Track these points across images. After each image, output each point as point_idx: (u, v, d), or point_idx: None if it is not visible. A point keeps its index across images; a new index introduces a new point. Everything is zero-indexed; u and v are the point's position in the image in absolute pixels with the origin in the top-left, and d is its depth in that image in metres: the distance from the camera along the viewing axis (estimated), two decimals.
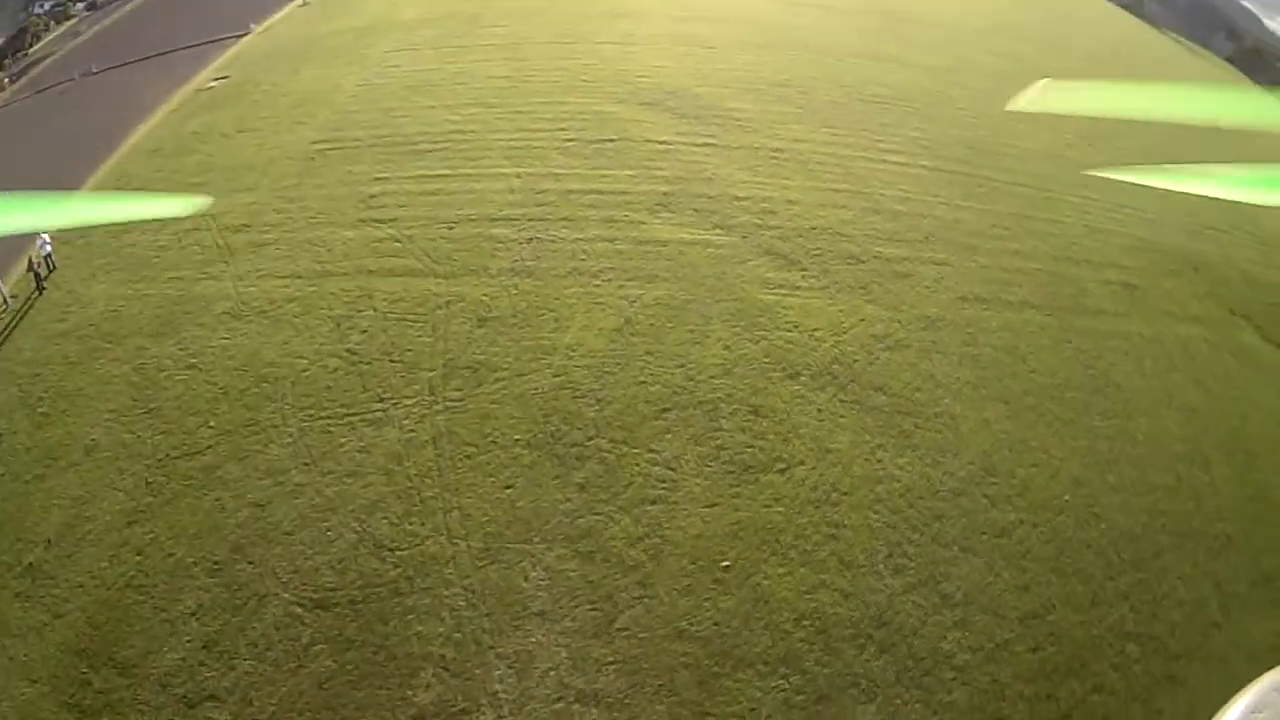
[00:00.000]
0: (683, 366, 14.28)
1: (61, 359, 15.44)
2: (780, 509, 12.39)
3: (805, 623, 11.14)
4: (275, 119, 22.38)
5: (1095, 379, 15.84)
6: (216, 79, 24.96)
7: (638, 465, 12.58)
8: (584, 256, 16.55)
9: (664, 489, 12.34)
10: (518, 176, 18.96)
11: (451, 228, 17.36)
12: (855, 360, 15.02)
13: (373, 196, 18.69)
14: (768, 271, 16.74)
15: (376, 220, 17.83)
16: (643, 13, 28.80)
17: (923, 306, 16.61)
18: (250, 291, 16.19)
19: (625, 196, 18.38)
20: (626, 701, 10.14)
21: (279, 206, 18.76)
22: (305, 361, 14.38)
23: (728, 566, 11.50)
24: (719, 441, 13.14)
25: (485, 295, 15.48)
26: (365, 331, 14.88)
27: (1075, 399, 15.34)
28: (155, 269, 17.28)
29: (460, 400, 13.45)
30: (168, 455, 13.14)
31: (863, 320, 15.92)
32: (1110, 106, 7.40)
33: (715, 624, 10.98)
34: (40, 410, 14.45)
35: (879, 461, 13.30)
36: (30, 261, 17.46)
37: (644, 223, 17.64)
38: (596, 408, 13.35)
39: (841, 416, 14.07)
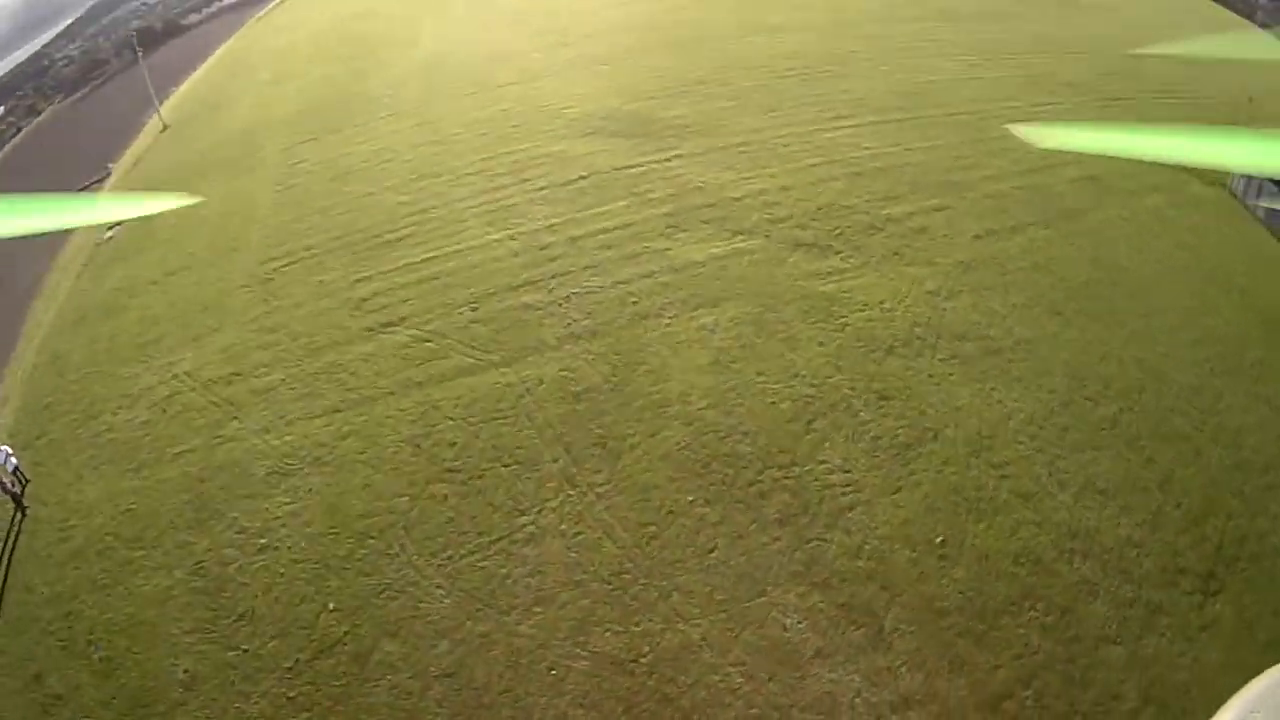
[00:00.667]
0: (796, 375, 13.75)
1: (91, 585, 12.79)
2: (952, 471, 12.20)
3: (1021, 560, 11.28)
4: (202, 251, 19.81)
5: (1107, 269, 16.82)
6: (110, 227, 21.78)
7: (817, 480, 11.97)
8: (634, 299, 15.63)
9: (852, 493, 11.83)
10: (512, 238, 17.71)
11: (475, 309, 15.92)
12: (929, 320, 15.03)
13: (364, 301, 16.87)
14: (808, 263, 16.49)
15: (386, 325, 16.07)
16: (516, 51, 27.94)
17: (952, 253, 16.92)
18: (288, 443, 14.09)
19: (632, 228, 17.59)
20: (934, 691, 9.73)
21: (262, 342, 16.54)
22: (406, 499, 12.63)
23: (943, 541, 11.22)
24: (871, 432, 12.79)
25: (563, 370, 14.25)
26: (455, 445, 13.28)
27: (1102, 292, 16.24)
28: (153, 449, 14.74)
29: (609, 482, 12.24)
30: (298, 660, 11.10)
31: (913, 282, 16.00)
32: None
33: (960, 593, 10.87)
34: (97, 656, 11.88)
35: (998, 401, 13.51)
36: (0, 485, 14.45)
37: (668, 249, 16.93)
38: (747, 442, 12.56)
39: (950, 374, 14.08)
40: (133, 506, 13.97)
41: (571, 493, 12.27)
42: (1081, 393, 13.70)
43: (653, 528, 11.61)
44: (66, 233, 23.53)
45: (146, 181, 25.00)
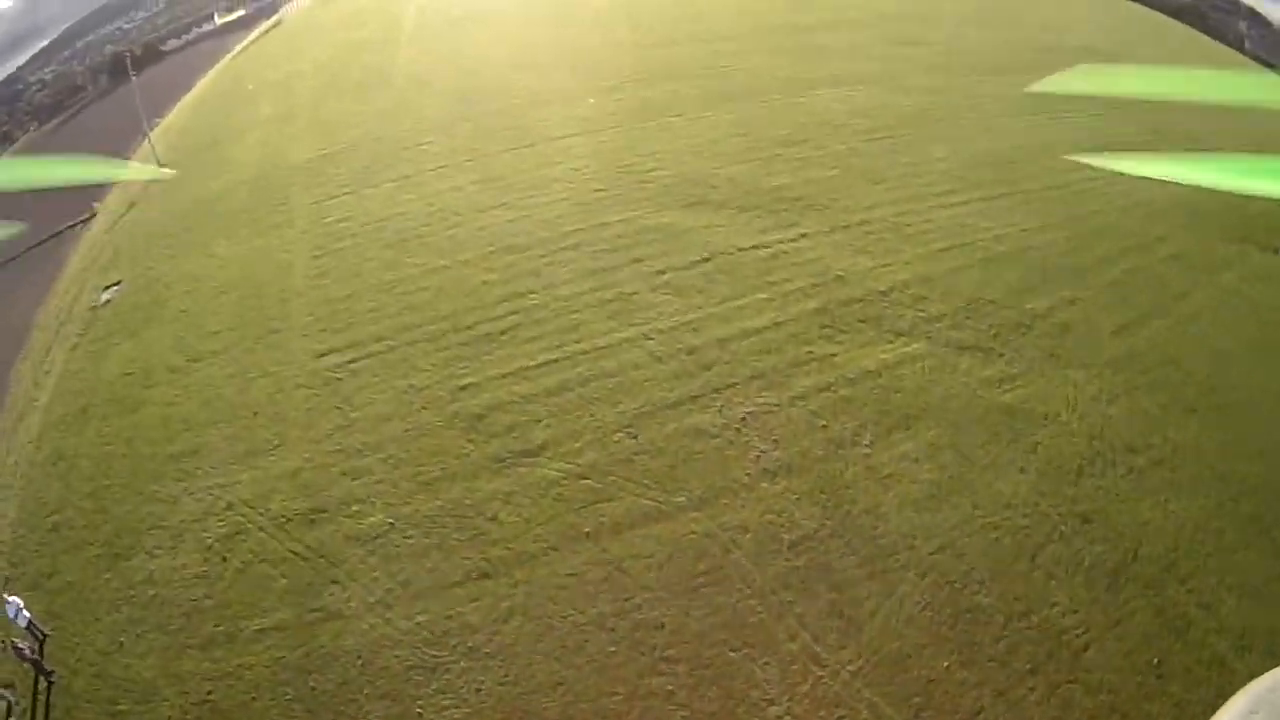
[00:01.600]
0: (1008, 505, 12.54)
1: None
2: (1153, 593, 10.98)
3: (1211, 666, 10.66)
4: (232, 330, 16.44)
5: (1218, 357, 16.14)
6: (108, 287, 17.85)
7: (1053, 623, 10.42)
8: (821, 420, 13.43)
9: (1084, 633, 10.36)
10: (647, 337, 15.21)
11: (634, 434, 13.30)
12: (1101, 431, 14.07)
13: (480, 418, 13.98)
14: (978, 369, 14.94)
15: (523, 454, 13.23)
16: (560, 95, 25.64)
17: (1098, 353, 15.92)
18: (423, 624, 11.07)
19: (785, 327, 15.45)
20: None
21: (348, 468, 13.37)
22: (620, 698, 9.90)
23: (1158, 662, 10.64)
24: (1084, 561, 11.69)
25: (768, 514, 11.90)
26: (663, 625, 10.64)
27: (1220, 383, 15.53)
28: (223, 619, 11.45)
29: (859, 658, 10.19)
30: None
31: (1076, 388, 15.01)
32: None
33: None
34: None
35: (1172, 512, 12.65)
36: (13, 648, 10.78)
37: (833, 354, 14.88)
38: (984, 591, 11.19)
39: (1131, 490, 13.18)
40: (211, 698, 10.57)
41: (821, 674, 10.00)
42: (1227, 493, 13.18)
43: (918, 699, 9.83)
44: (49, 275, 19.37)
45: (142, 227, 21.09)
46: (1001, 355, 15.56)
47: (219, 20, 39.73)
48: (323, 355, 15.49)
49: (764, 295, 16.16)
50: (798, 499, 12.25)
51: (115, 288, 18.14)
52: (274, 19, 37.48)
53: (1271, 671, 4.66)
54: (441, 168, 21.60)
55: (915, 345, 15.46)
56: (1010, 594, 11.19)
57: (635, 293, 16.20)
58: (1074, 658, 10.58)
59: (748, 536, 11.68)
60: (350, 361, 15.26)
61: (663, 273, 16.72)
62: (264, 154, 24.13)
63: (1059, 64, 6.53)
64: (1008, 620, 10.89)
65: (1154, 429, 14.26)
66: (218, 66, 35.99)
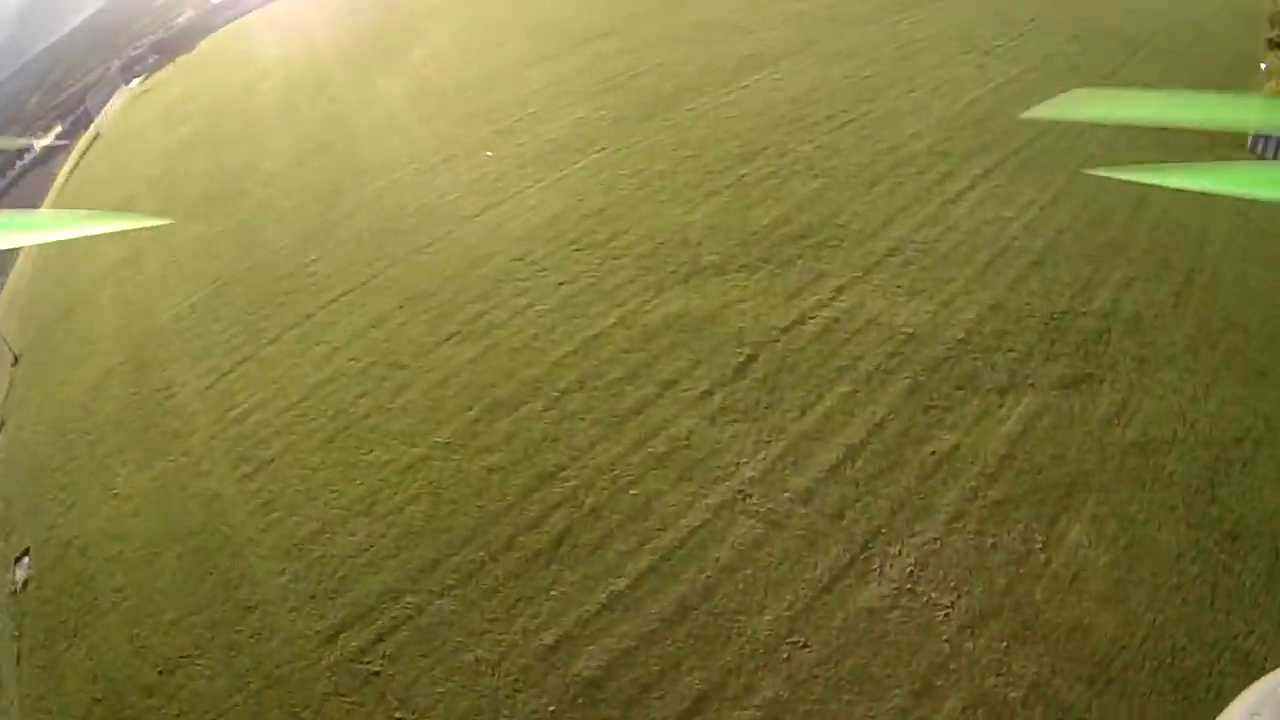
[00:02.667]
0: (1195, 530, 11.13)
1: None
2: None
3: None
4: (193, 616, 12.72)
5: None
6: (18, 559, 13.55)
7: None
8: (988, 536, 11.92)
9: None
10: (743, 495, 13.01)
11: (805, 645, 11.30)
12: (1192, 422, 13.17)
13: (597, 690, 11.42)
14: (1093, 406, 13.82)
15: None
16: (469, 149, 22.28)
17: (1169, 341, 15.29)
18: None
19: (888, 426, 13.57)
20: None
21: None
22: None
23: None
24: None
25: (992, 680, 10.29)
26: None
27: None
28: None
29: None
30: None
31: (1171, 390, 14.05)
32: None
33: None
34: None
35: None
36: None
37: (953, 446, 13.23)
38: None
39: None
40: None
41: None
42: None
43: None
44: None
45: (31, 468, 16.26)
46: (1102, 381, 14.34)
47: (38, 145, 33.69)
48: (333, 638, 12.17)
49: (843, 389, 14.18)
50: (1007, 648, 10.73)
51: (26, 560, 13.98)
52: (91, 132, 31.89)
53: (1275, 671, 4.67)
54: (345, 296, 17.81)
55: (1025, 400, 14.05)
56: (1206, 641, 10.30)
57: (691, 434, 13.79)
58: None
59: (978, 713, 10.09)
60: (377, 640, 12.05)
61: (709, 394, 14.35)
62: (126, 318, 19.33)
63: None
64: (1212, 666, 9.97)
65: (1246, 409, 13.70)
66: (48, 202, 29.56)
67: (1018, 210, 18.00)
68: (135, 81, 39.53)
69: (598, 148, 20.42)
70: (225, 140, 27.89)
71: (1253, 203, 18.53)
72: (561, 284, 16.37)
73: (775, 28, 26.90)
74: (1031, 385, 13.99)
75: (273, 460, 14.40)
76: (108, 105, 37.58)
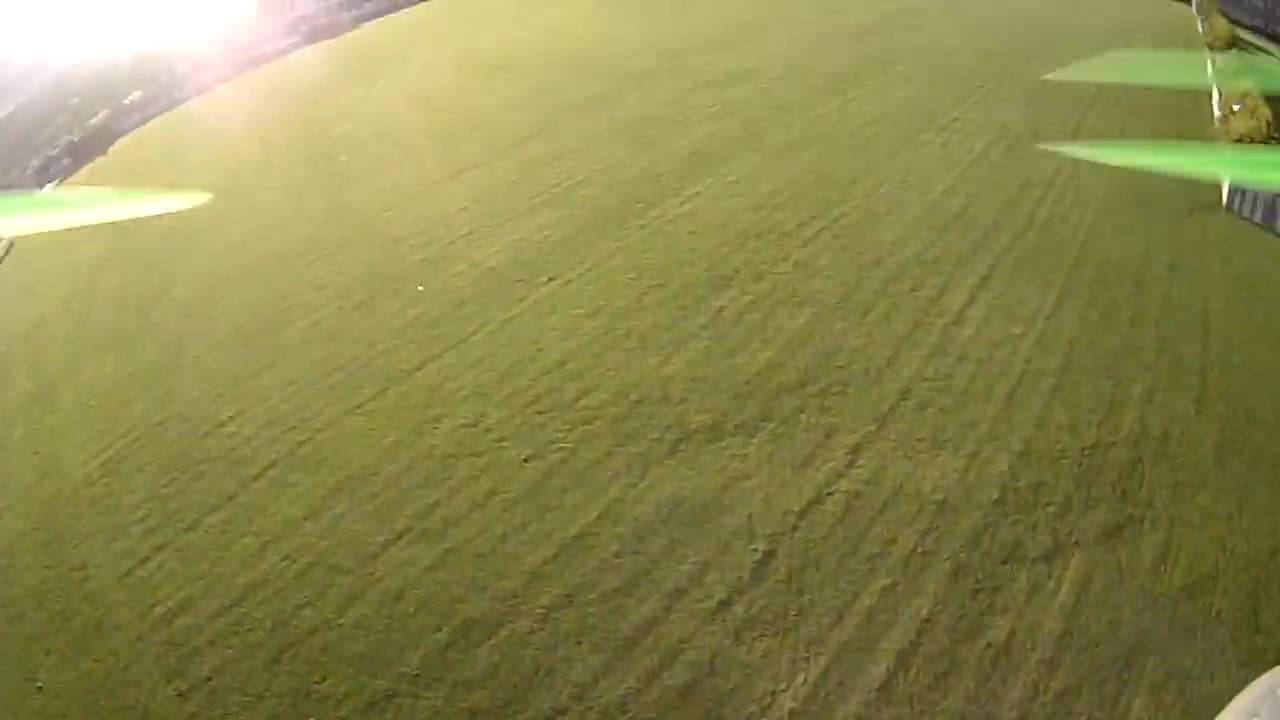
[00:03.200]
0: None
1: None
2: None
3: None
4: None
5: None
6: None
7: None
8: None
9: None
10: None
11: None
12: None
13: None
14: (1138, 554, 12.91)
15: None
16: (367, 285, 20.46)
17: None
18: None
19: (947, 609, 12.36)
20: None
21: None
22: None
23: None
24: None
25: None
26: None
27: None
28: None
29: None
30: None
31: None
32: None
33: None
34: None
35: None
36: None
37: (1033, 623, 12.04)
38: None
39: None
40: None
41: None
42: None
43: None
44: None
45: None
46: (1142, 521, 13.60)
47: None
48: None
49: (881, 581, 12.88)
50: None
51: None
52: (5, 242, 29.34)
53: (1273, 670, 5.03)
54: (271, 471, 15.65)
55: (1072, 563, 13.17)
56: None
57: (714, 657, 12.14)
58: None
59: None
60: None
61: (727, 604, 12.74)
62: (37, 471, 17.12)
63: None
64: None
65: (1276, 518, 13.31)
66: None
67: (1025, 324, 17.67)
68: (48, 187, 37.16)
69: (545, 277, 18.99)
70: (135, 259, 25.63)
71: (1243, 274, 19.31)
72: (526, 460, 14.62)
73: (710, 120, 26.33)
74: (1076, 543, 13.30)
75: (209, 679, 12.26)
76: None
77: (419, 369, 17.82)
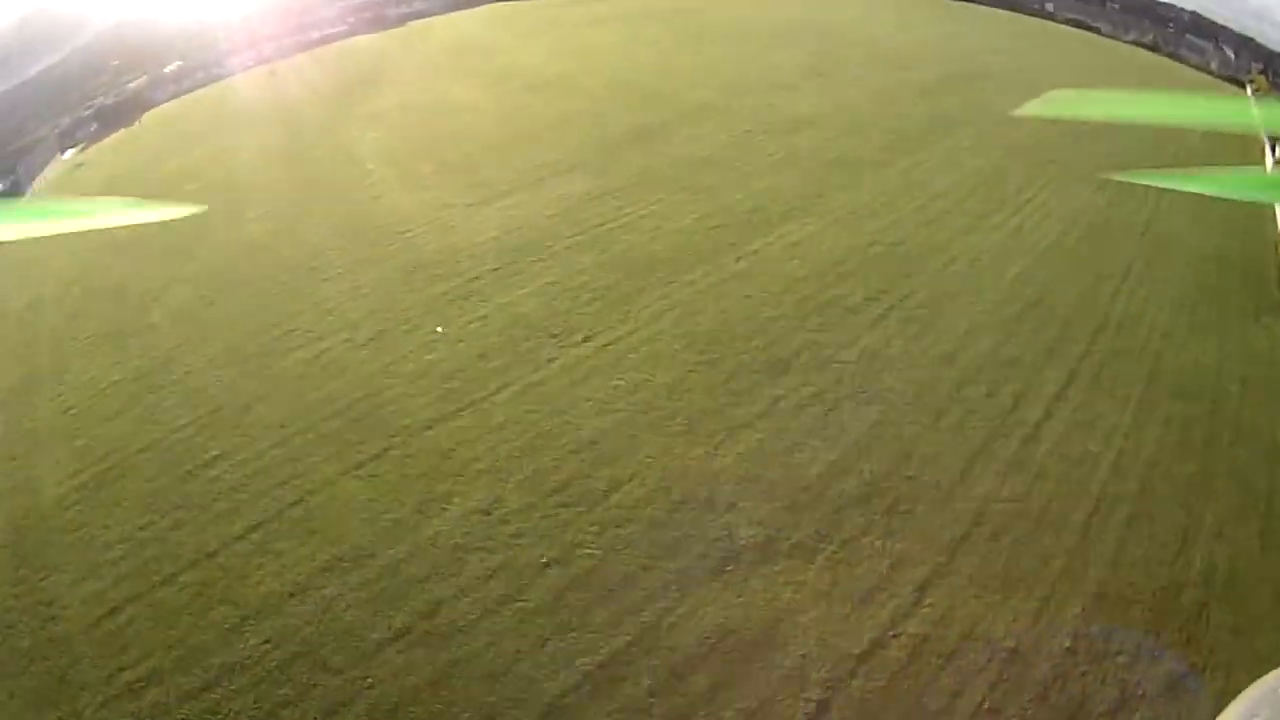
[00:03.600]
0: None
1: None
2: None
3: None
4: None
5: None
6: None
7: None
8: None
9: None
10: None
11: None
12: None
13: None
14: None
15: None
16: (383, 335, 18.58)
17: None
18: None
19: None
20: None
21: None
22: None
23: None
24: None
25: None
26: None
27: None
28: None
29: None
30: None
31: None
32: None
33: None
34: None
35: None
36: None
37: None
38: None
39: None
40: None
41: None
42: None
43: None
44: None
45: None
46: (1204, 669, 12.09)
47: None
48: None
49: None
50: None
51: None
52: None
53: (1274, 672, 4.78)
54: (255, 533, 13.62)
55: (1137, 717, 11.10)
56: None
57: None
58: None
59: None
60: None
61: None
62: (10, 482, 15.42)
63: None
64: None
65: None
66: None
67: (1103, 441, 16.07)
68: (70, 152, 35.50)
69: (580, 335, 16.99)
70: (141, 249, 23.52)
71: None
72: (548, 564, 12.64)
73: (772, 172, 24.58)
74: (1142, 696, 11.73)
75: None
76: (40, 175, 33.87)
77: (429, 428, 15.77)
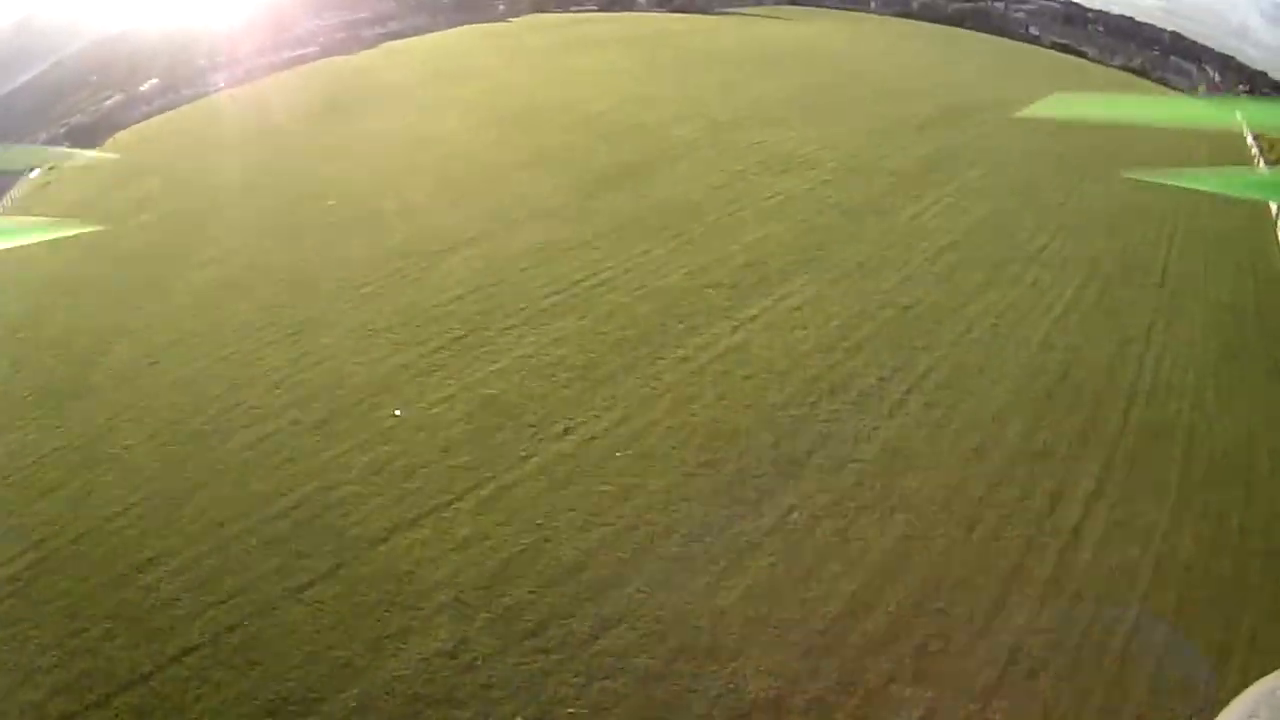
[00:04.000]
0: None
1: None
2: None
3: None
4: None
5: None
6: None
7: None
8: None
9: None
10: None
11: None
12: None
13: None
14: None
15: None
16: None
17: None
18: None
19: None
20: None
21: None
22: None
23: None
24: None
25: None
26: None
27: None
28: None
29: None
30: None
31: None
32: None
33: None
34: None
35: None
36: None
37: None
38: None
39: None
40: None
41: None
42: None
43: None
44: None
45: None
46: None
47: None
48: None
49: None
50: None
51: None
52: None
53: (1275, 672, 4.67)
54: (191, 656, 11.48)
55: None
56: None
57: None
58: None
59: None
60: None
61: None
62: None
63: None
64: None
65: None
66: None
67: (1143, 544, 14.34)
68: (37, 172, 34.50)
69: (559, 426, 14.86)
70: (86, 295, 21.49)
71: None
72: None
73: (767, 219, 22.87)
74: None
75: None
76: (10, 191, 32.95)
77: (384, 540, 13.57)
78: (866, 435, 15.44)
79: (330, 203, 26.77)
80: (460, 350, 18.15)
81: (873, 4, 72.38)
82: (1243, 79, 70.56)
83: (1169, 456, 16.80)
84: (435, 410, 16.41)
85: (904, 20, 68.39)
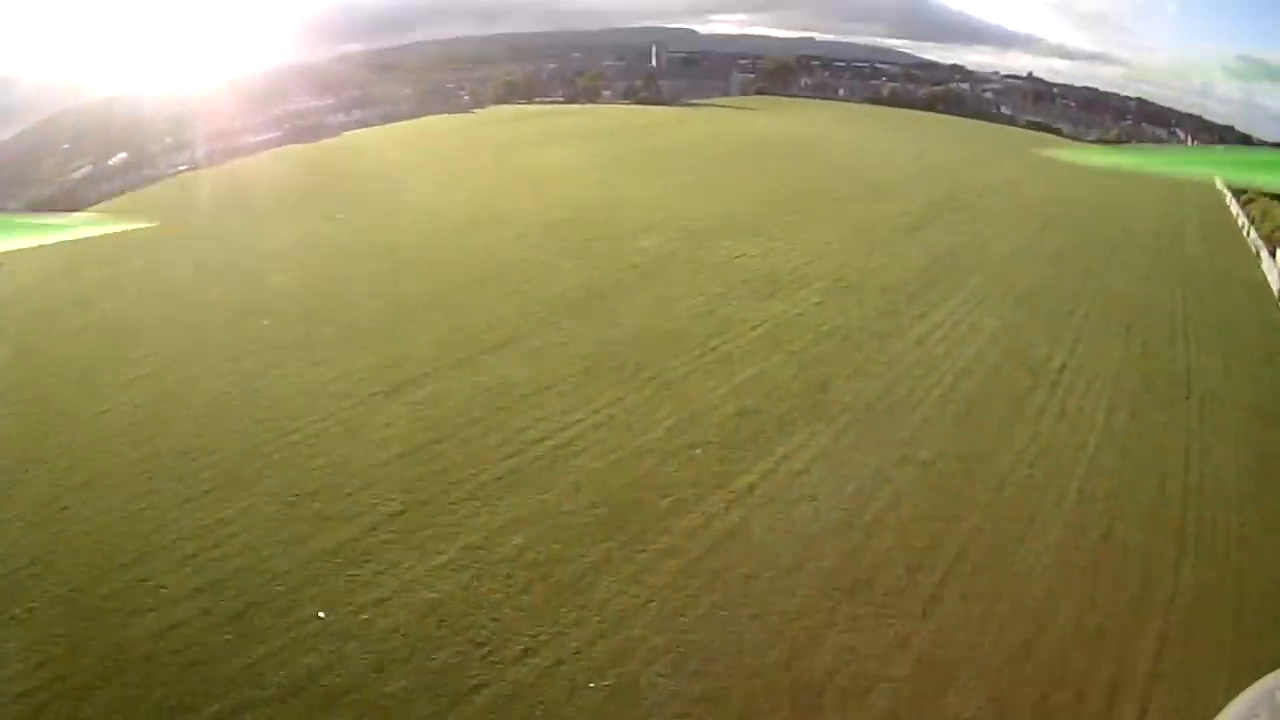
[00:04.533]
0: None
1: None
2: None
3: None
4: None
5: None
6: None
7: None
8: None
9: None
10: None
11: None
12: None
13: None
14: None
15: None
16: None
17: None
18: None
19: None
20: None
21: None
22: None
23: None
24: None
25: None
26: None
27: None
28: None
29: None
30: None
31: None
32: None
33: None
34: None
35: None
36: None
37: None
38: None
39: None
40: None
41: None
42: None
43: None
44: None
45: None
46: None
47: None
48: None
49: None
50: None
51: None
52: None
53: (1274, 672, 4.78)
54: None
55: None
56: None
57: None
58: None
59: None
60: None
61: None
62: None
63: None
64: None
65: None
66: None
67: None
68: None
69: (517, 646, 12.44)
70: (5, 416, 19.58)
71: None
72: None
73: (756, 354, 21.11)
74: None
75: None
76: None
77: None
78: (897, 646, 12.66)
79: (265, 323, 24.29)
80: (398, 532, 15.30)
81: (841, 92, 72.47)
82: (1212, 134, 72.29)
83: (1223, 621, 14.38)
84: (364, 617, 13.47)
85: (875, 107, 68.37)
